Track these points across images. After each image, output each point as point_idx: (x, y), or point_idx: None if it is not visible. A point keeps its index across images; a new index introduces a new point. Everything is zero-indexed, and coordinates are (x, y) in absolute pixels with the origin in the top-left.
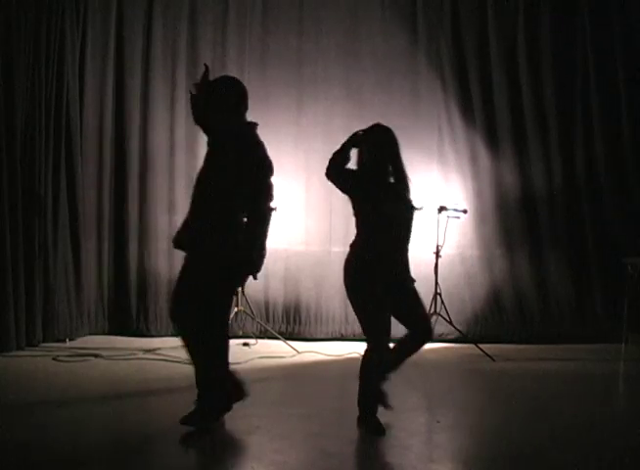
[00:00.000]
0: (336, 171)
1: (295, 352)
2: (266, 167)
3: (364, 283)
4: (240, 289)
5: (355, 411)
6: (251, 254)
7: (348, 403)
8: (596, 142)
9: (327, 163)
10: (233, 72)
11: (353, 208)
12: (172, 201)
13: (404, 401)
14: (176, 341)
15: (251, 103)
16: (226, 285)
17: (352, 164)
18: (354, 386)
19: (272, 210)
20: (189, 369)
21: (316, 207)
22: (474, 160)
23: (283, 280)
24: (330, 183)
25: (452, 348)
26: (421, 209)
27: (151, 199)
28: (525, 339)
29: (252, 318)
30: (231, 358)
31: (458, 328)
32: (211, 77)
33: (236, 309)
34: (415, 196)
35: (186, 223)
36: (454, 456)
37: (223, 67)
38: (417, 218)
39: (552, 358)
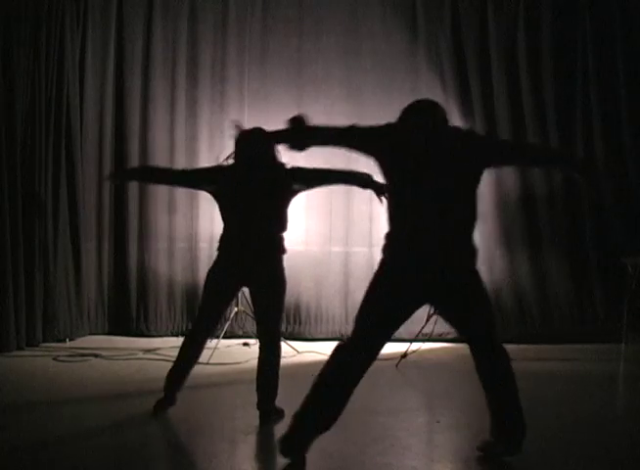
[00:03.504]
0: None
1: (295, 352)
2: None
3: None
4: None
5: (355, 411)
6: None
7: (348, 403)
8: (596, 142)
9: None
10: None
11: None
12: (172, 201)
13: (404, 401)
14: (176, 341)
15: (250, 102)
16: None
17: None
18: None
19: None
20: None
21: (316, 207)
22: None
23: None
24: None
25: (452, 348)
26: None
27: (151, 199)
28: (525, 339)
29: (253, 318)
30: (231, 358)
31: None
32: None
33: (236, 309)
34: None
35: None
36: (454, 456)
37: (223, 66)
38: None
39: (552, 358)
